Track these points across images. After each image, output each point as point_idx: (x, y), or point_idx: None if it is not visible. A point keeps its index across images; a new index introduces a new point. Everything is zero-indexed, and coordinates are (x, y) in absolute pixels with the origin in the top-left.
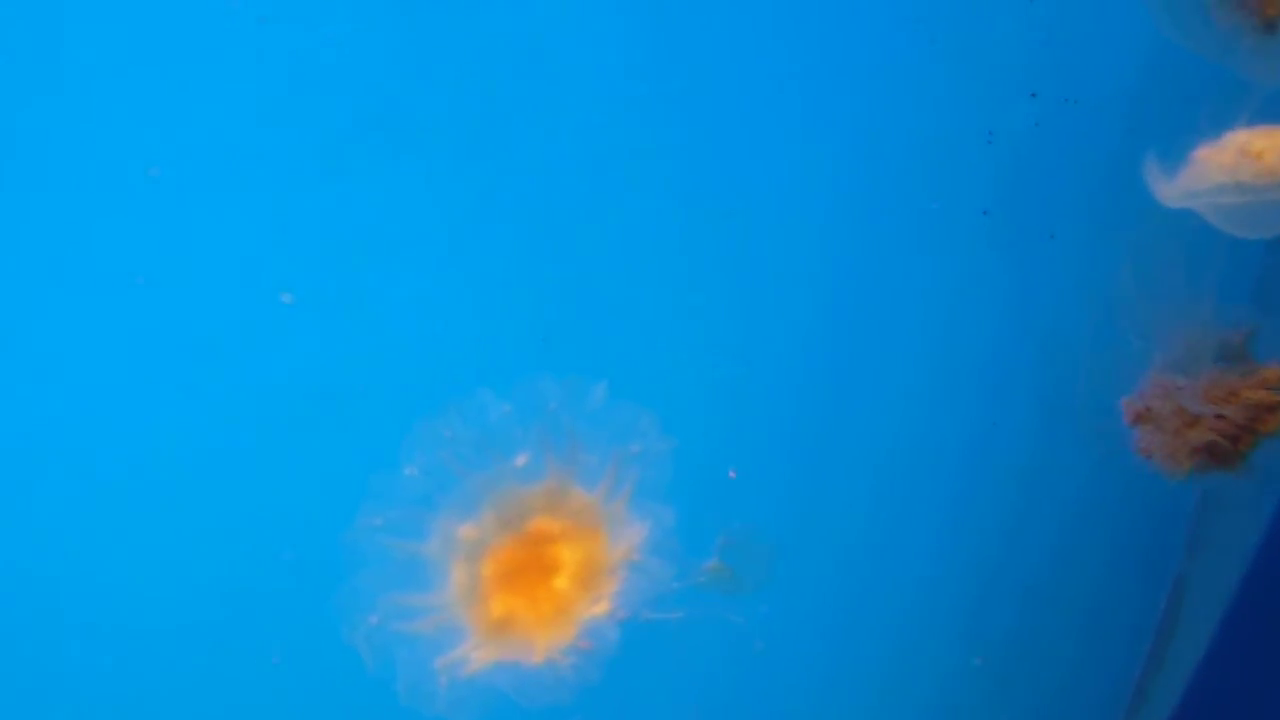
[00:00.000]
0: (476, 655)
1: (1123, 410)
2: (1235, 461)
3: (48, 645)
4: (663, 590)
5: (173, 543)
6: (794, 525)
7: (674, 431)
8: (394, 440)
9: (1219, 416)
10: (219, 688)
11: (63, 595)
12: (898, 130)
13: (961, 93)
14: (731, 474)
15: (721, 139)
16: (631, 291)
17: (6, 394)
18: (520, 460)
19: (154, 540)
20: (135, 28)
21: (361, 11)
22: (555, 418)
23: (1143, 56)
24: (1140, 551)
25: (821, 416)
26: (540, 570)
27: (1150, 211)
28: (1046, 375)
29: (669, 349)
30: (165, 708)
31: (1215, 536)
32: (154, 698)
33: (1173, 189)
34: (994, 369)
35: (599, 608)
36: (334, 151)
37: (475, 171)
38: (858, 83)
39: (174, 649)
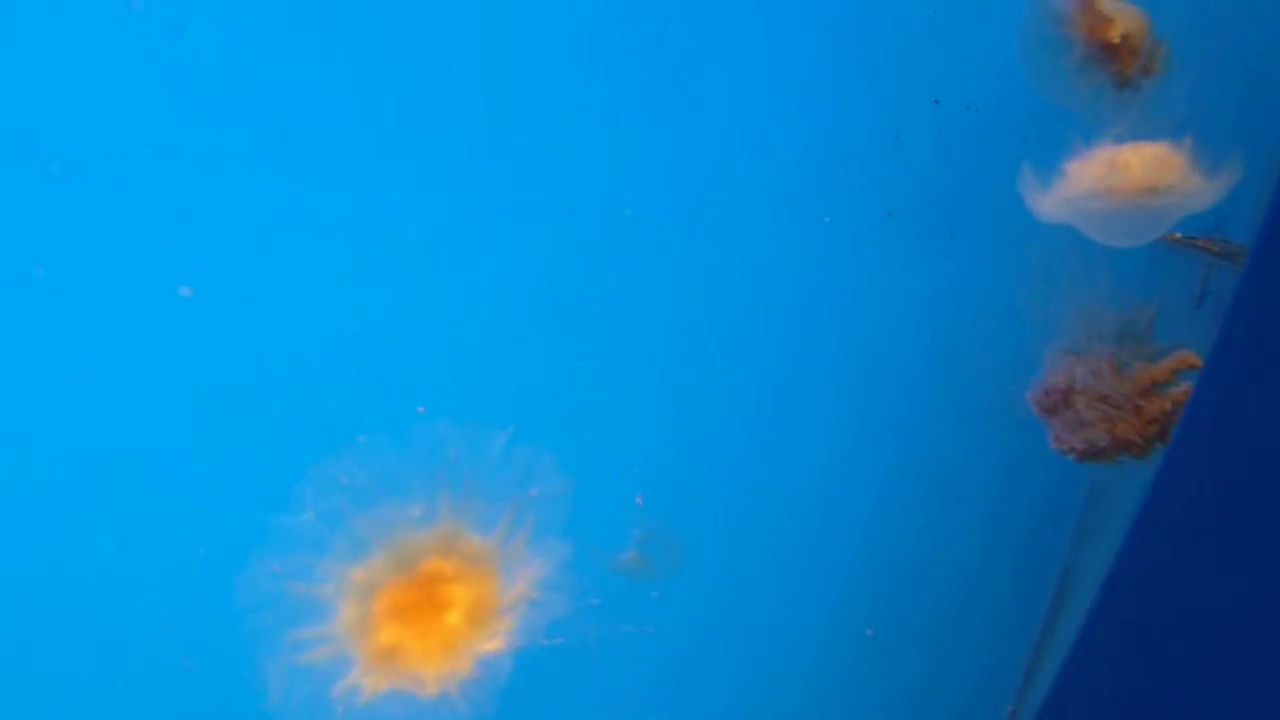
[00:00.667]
0: (368, 683)
1: (1034, 401)
2: (1144, 450)
3: None
4: (558, 618)
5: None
6: (684, 506)
7: (587, 430)
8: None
9: (1137, 407)
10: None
11: None
12: (805, 133)
13: (868, 97)
14: (639, 500)
15: (614, 150)
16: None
17: None
18: (415, 510)
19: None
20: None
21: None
22: (453, 463)
23: None
24: (1031, 539)
25: (719, 408)
26: (432, 607)
27: None
28: (944, 371)
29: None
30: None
31: (1102, 528)
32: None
33: (1047, 200)
34: (892, 364)
35: (492, 644)
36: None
37: (383, 181)
38: (765, 86)
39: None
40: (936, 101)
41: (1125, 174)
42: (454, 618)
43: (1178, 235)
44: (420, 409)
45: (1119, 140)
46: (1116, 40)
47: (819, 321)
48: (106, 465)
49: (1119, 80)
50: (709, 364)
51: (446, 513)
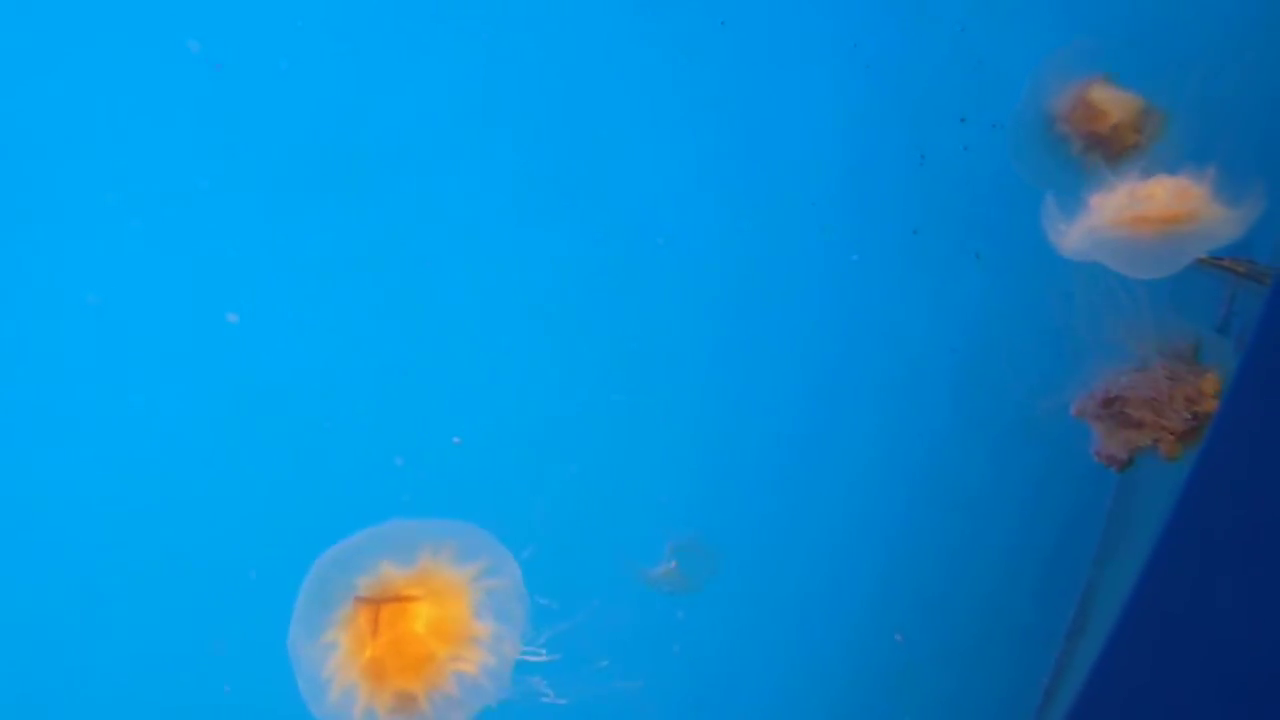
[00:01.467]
0: (377, 706)
1: (1083, 407)
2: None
3: None
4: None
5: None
6: (718, 520)
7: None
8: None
9: (1191, 415)
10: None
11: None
12: (832, 151)
13: (895, 115)
14: (456, 440)
15: (652, 163)
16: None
17: None
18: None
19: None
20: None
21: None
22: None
23: None
24: (1054, 557)
25: (750, 424)
26: (404, 618)
27: None
28: (969, 388)
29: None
30: None
31: (1124, 547)
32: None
33: (1070, 233)
34: (917, 381)
35: (463, 665)
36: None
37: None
38: (794, 104)
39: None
40: (963, 120)
41: (1148, 205)
42: (421, 629)
43: (1204, 256)
44: (456, 440)
45: (1143, 173)
46: (1108, 131)
47: (845, 338)
48: (150, 479)
49: (1112, 159)
50: (739, 380)
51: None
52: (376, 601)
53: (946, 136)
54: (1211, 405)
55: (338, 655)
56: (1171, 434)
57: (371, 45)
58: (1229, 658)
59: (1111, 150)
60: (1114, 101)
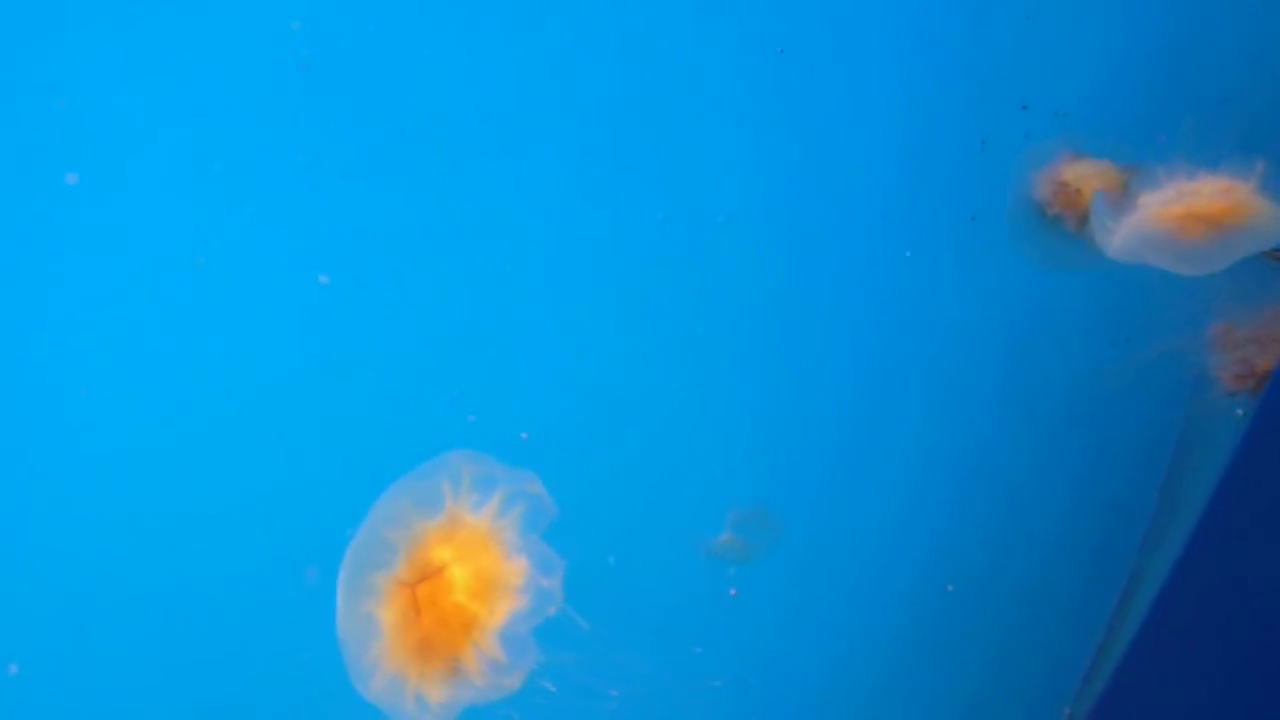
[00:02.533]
0: (427, 690)
1: (1216, 336)
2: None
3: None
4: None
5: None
6: (775, 494)
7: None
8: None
9: None
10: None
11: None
12: (893, 134)
13: (957, 101)
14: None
15: (708, 141)
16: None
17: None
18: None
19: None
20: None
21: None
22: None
23: (1130, 75)
24: (1100, 543)
25: (805, 399)
26: (442, 589)
27: None
28: (1022, 372)
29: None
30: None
31: (1171, 535)
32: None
33: (1118, 230)
34: (968, 362)
35: (504, 610)
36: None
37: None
38: (856, 87)
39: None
40: (1025, 107)
41: (1195, 201)
42: (460, 596)
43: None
44: (524, 435)
45: (1191, 173)
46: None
47: (901, 320)
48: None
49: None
50: (796, 359)
51: (447, 507)
52: (413, 584)
53: (1008, 123)
54: None
55: (382, 640)
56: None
57: (452, 27)
58: (1257, 653)
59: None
60: (1086, 176)
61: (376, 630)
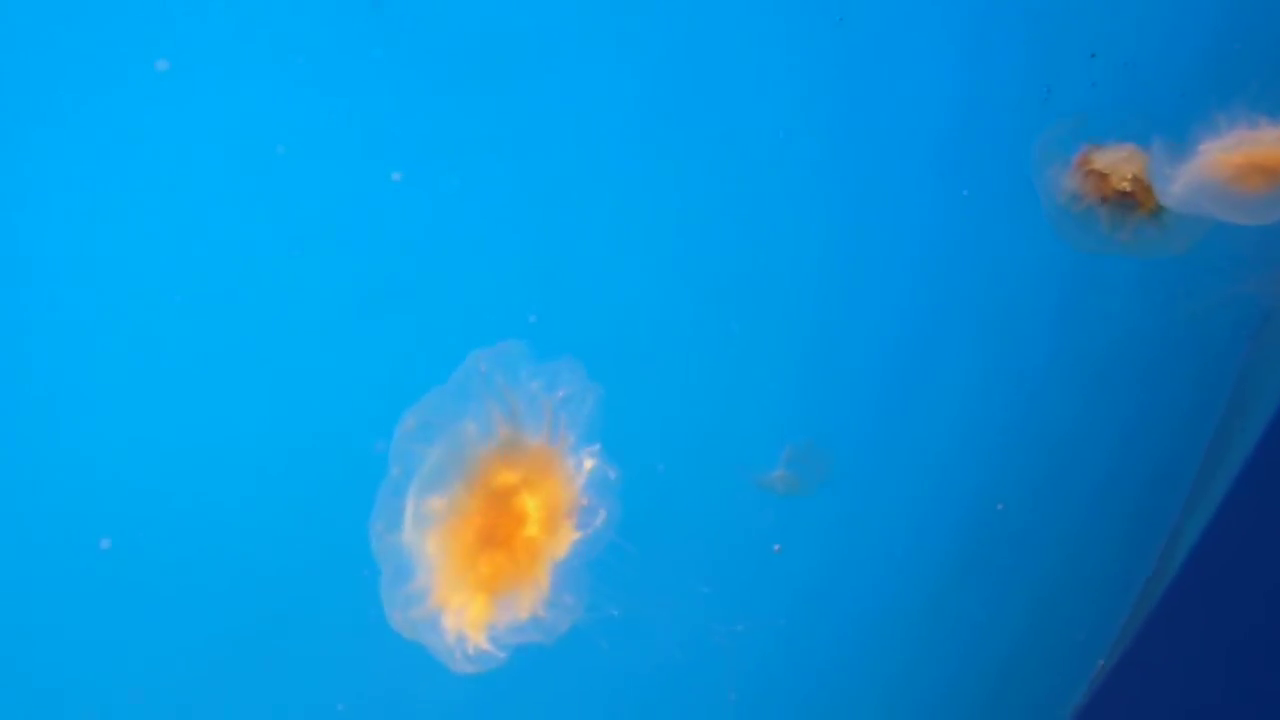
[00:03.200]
0: (477, 617)
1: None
2: None
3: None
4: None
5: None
6: (834, 426)
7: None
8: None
9: None
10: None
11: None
12: (956, 79)
13: (1022, 48)
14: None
15: (770, 82)
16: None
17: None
18: (471, 427)
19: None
20: None
21: None
22: (491, 381)
23: (1199, 26)
24: (1143, 502)
25: (857, 340)
26: (511, 521)
27: None
28: (1072, 332)
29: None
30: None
31: (1213, 496)
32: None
33: (1178, 178)
34: (1018, 312)
35: (566, 541)
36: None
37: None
38: (919, 32)
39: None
40: (1093, 55)
41: (1256, 152)
42: (533, 529)
43: None
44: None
45: (1253, 121)
46: (1130, 186)
47: (956, 261)
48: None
49: (1152, 212)
50: (852, 307)
51: (500, 426)
52: (481, 513)
53: (1075, 71)
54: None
55: (431, 570)
56: None
57: None
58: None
59: (1144, 200)
60: (1117, 160)
61: (424, 558)
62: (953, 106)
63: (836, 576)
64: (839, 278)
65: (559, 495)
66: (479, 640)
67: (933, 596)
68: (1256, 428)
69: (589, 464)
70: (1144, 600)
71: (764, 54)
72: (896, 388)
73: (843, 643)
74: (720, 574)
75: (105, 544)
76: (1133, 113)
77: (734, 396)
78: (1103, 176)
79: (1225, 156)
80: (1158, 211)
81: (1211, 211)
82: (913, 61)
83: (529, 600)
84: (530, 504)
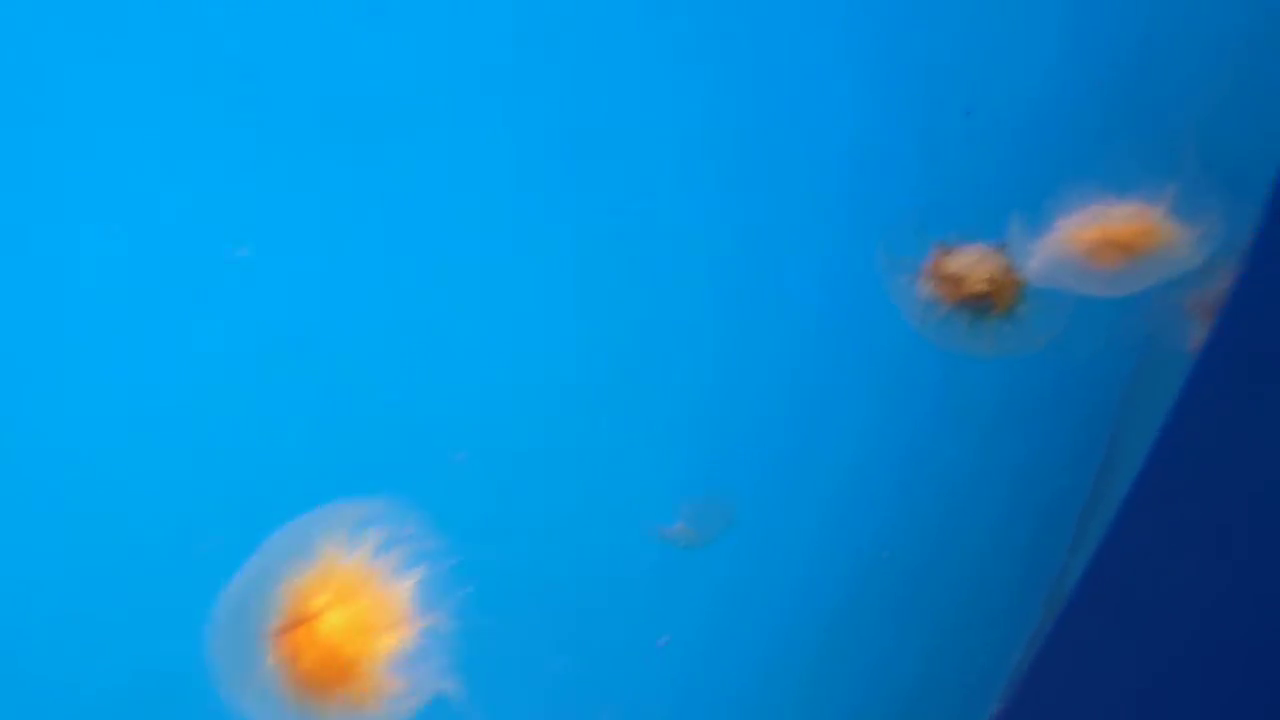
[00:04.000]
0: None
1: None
2: None
3: None
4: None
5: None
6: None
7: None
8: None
9: None
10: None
11: None
12: (837, 140)
13: (900, 105)
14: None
15: (661, 148)
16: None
17: None
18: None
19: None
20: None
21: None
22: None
23: (1066, 78)
24: (1031, 545)
25: (749, 395)
26: (322, 633)
27: None
28: (955, 382)
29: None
30: None
31: (1098, 534)
32: None
33: (1036, 253)
34: (906, 362)
35: (385, 650)
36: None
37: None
38: (803, 85)
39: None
40: (968, 113)
41: (1109, 227)
42: (339, 638)
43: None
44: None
45: (1105, 197)
46: (986, 287)
47: (844, 322)
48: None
49: (1010, 309)
50: (741, 356)
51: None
52: (286, 630)
53: (951, 128)
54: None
55: (264, 686)
56: None
57: None
58: (1171, 646)
59: (1000, 299)
60: (972, 263)
61: (259, 680)
62: (834, 166)
63: (726, 629)
64: (731, 328)
65: (375, 606)
66: None
67: (824, 646)
68: (1135, 464)
69: (416, 578)
70: (1034, 643)
71: (657, 115)
72: (790, 438)
73: (735, 692)
74: (611, 626)
75: None
76: (977, 206)
77: (629, 452)
78: (957, 281)
79: (1081, 232)
80: (1016, 308)
81: (1071, 285)
82: (796, 126)
83: (362, 697)
84: (336, 617)
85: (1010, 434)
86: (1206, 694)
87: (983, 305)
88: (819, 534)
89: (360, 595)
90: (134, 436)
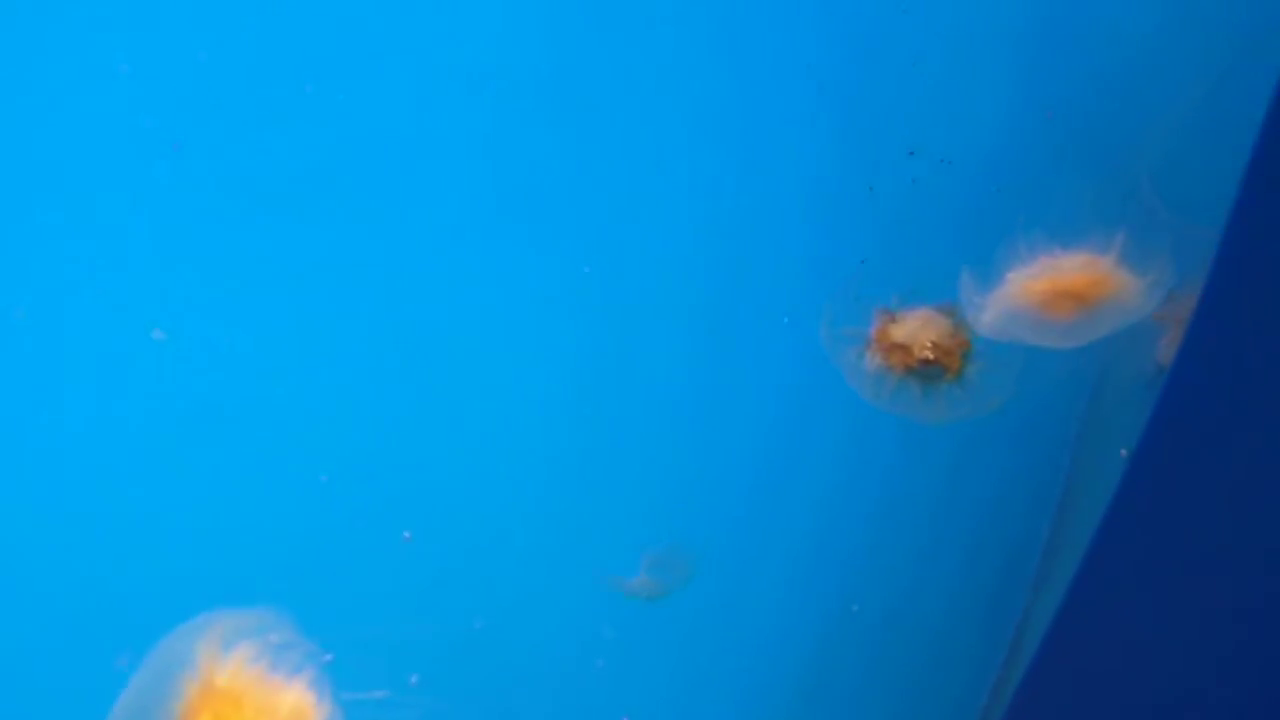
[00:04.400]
0: None
1: None
2: None
3: None
4: None
5: None
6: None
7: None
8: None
9: None
10: None
11: None
12: (785, 177)
13: (844, 145)
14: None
15: (616, 184)
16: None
17: None
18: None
19: None
20: None
21: None
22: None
23: (1013, 123)
24: (996, 585)
25: (715, 443)
26: None
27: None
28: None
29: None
30: None
31: (1060, 573)
32: None
33: (987, 307)
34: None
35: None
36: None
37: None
38: (747, 127)
39: None
40: (911, 153)
41: (1060, 278)
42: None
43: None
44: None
45: (1053, 247)
46: (932, 353)
47: (804, 362)
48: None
49: (959, 373)
50: (705, 402)
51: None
52: None
53: (895, 169)
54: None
55: None
56: None
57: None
58: (1146, 680)
59: (949, 364)
60: (915, 329)
61: None
62: (783, 207)
63: (693, 682)
64: (699, 384)
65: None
66: None
67: (795, 691)
68: (1095, 495)
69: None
70: (1002, 684)
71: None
72: (754, 491)
73: None
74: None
75: None
76: (924, 262)
77: (593, 503)
78: (904, 348)
79: (1032, 284)
80: (965, 371)
81: (1024, 337)
82: (747, 162)
83: None
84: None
85: (970, 473)
86: None
87: (932, 372)
88: (782, 588)
89: (242, 707)
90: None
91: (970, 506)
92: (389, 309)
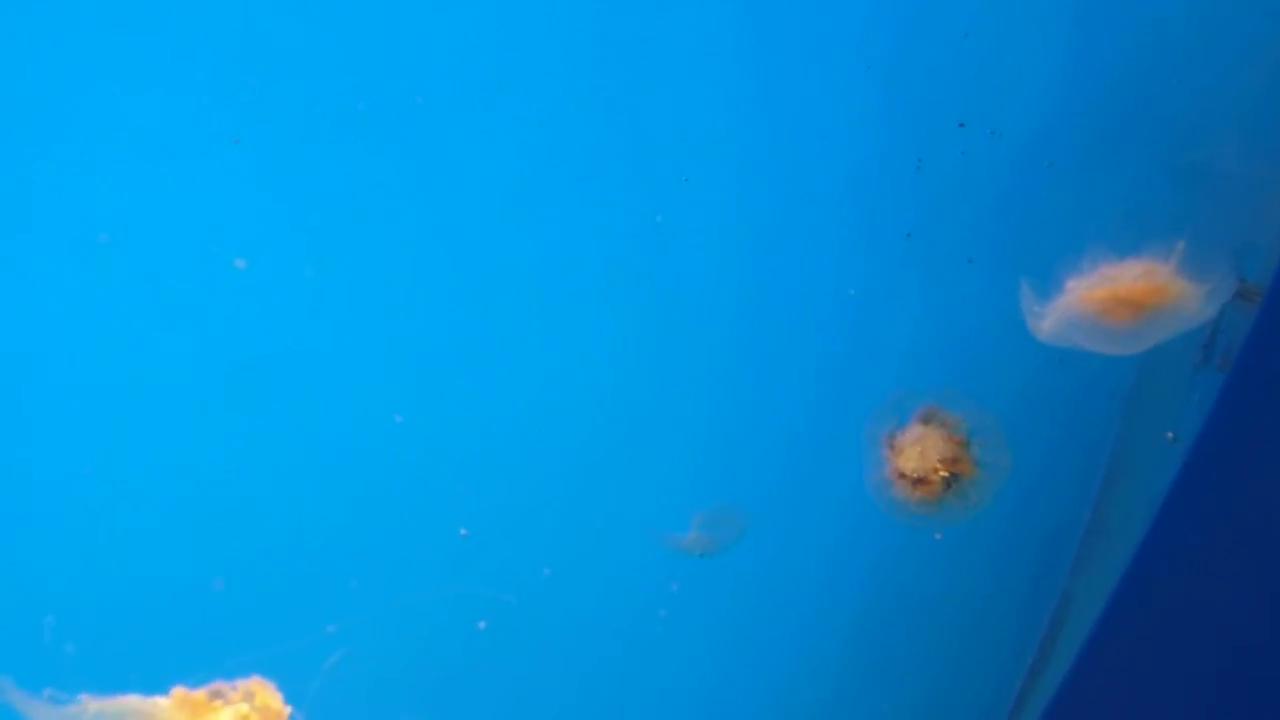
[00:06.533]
0: None
1: None
2: None
3: None
4: None
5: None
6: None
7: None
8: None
9: None
10: None
11: None
12: (832, 151)
13: (894, 118)
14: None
15: (656, 159)
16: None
17: None
18: None
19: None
20: None
21: None
22: None
23: (1065, 95)
24: (1034, 567)
25: (757, 412)
26: None
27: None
28: (957, 387)
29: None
30: None
31: (1099, 558)
32: None
33: (1046, 314)
34: (908, 378)
35: None
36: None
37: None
38: (794, 103)
39: None
40: (962, 124)
41: (1119, 286)
42: None
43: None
44: (464, 532)
45: (1113, 256)
46: (945, 472)
47: (842, 336)
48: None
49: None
50: (747, 374)
51: None
52: None
53: (945, 141)
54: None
55: None
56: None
57: None
58: (1200, 667)
59: (964, 467)
60: (914, 458)
61: None
62: (828, 179)
63: (739, 646)
64: (743, 351)
65: None
66: None
67: (838, 660)
68: (1137, 481)
69: None
70: (1037, 668)
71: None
72: (804, 452)
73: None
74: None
75: None
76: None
77: (644, 463)
78: (923, 481)
79: (1091, 293)
80: (970, 478)
81: (1082, 344)
82: (790, 138)
83: None
84: None
85: (1015, 452)
86: None
87: (953, 478)
88: (827, 556)
89: None
90: None
91: (1014, 484)
92: (456, 276)
